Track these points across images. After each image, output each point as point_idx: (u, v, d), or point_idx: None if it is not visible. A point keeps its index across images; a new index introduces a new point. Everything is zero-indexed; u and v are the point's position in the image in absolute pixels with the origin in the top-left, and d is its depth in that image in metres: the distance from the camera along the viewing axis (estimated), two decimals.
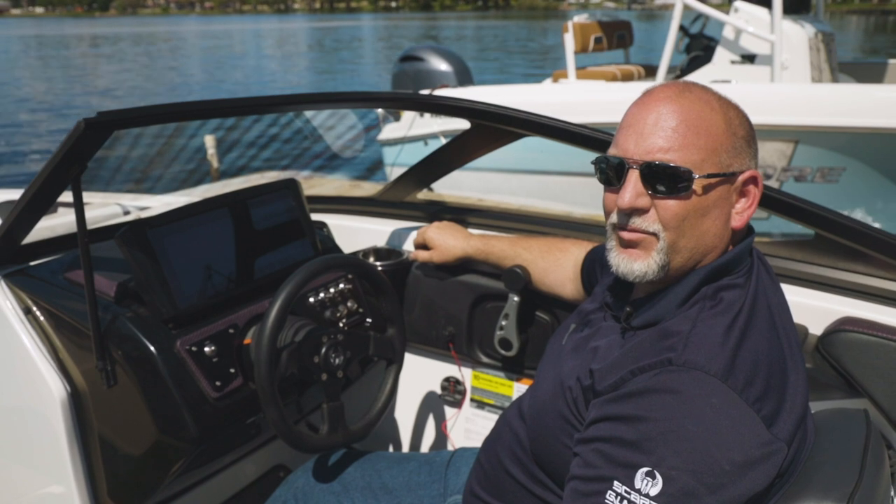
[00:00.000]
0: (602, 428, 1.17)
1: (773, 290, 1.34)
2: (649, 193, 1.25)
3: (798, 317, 1.84)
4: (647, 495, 1.06)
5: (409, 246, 2.54)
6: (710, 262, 1.29)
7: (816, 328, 1.79)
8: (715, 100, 1.28)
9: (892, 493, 1.46)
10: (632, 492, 1.08)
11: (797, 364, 1.26)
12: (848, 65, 9.81)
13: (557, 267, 2.00)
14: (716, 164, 1.25)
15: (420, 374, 2.51)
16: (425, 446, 2.59)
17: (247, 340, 1.87)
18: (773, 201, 1.80)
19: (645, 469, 1.08)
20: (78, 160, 1.64)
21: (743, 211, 1.29)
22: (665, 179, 1.23)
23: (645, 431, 1.10)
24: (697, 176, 1.23)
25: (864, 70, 9.76)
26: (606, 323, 1.40)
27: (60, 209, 2.63)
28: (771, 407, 1.14)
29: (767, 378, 1.15)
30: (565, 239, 2.09)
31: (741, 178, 1.27)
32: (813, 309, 1.83)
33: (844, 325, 1.71)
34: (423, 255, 2.27)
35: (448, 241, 2.22)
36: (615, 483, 1.10)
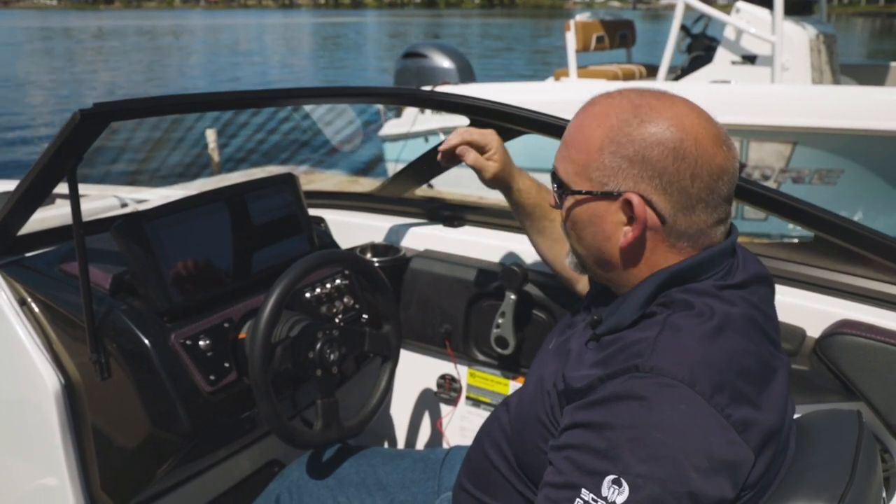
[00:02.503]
0: (572, 435, 1.16)
1: (754, 292, 1.30)
2: (554, 196, 1.34)
3: (796, 319, 1.84)
4: (613, 503, 1.05)
5: (406, 243, 2.53)
6: (662, 267, 1.26)
7: (814, 330, 1.79)
8: (614, 113, 1.24)
9: (885, 496, 1.46)
10: (598, 499, 1.07)
11: (778, 373, 1.24)
12: (850, 67, 9.80)
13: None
14: (587, 179, 1.26)
15: (416, 372, 2.51)
16: (420, 443, 2.58)
17: (242, 335, 1.86)
18: (772, 202, 1.79)
19: (611, 477, 1.07)
20: (74, 151, 1.63)
21: (628, 232, 1.24)
22: (555, 187, 1.32)
23: (612, 439, 1.09)
24: (571, 189, 1.28)
25: (867, 72, 9.75)
26: (582, 327, 1.39)
27: (57, 200, 2.62)
28: (742, 414, 1.11)
29: (739, 384, 1.13)
30: None
31: (622, 198, 1.22)
32: (811, 311, 1.82)
33: (842, 328, 1.70)
34: (472, 157, 1.80)
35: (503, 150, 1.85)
36: (583, 491, 1.09)
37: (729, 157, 1.23)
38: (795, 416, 1.36)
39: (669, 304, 1.22)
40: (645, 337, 1.17)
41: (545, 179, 1.80)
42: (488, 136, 1.82)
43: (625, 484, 1.05)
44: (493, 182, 1.83)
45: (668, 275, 1.24)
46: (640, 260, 1.27)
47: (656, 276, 1.25)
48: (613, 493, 1.06)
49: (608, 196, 1.24)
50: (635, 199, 1.20)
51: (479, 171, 1.81)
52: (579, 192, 1.27)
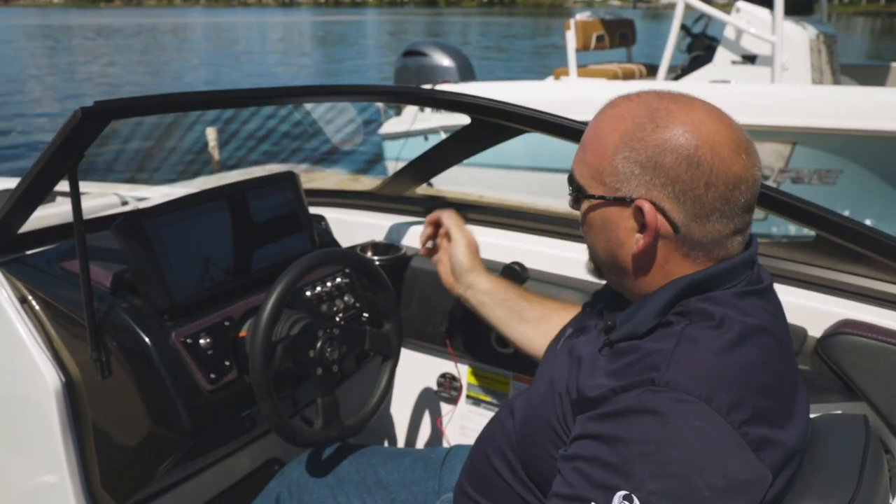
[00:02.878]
0: (583, 446, 1.14)
1: (771, 301, 1.29)
2: (571, 198, 1.33)
3: (797, 318, 1.83)
4: None
5: (407, 241, 2.53)
6: (679, 275, 1.24)
7: (815, 330, 1.79)
8: (630, 116, 1.22)
9: (891, 500, 1.45)
10: None
11: (796, 388, 1.22)
12: (850, 67, 9.79)
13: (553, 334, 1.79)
14: (601, 184, 1.24)
15: (416, 370, 2.51)
16: (420, 442, 2.58)
17: (242, 333, 1.86)
18: (774, 201, 1.79)
19: (623, 492, 1.04)
20: (75, 149, 1.63)
21: (639, 239, 1.23)
22: (571, 190, 1.30)
23: (624, 454, 1.07)
24: (587, 193, 1.26)
25: (867, 73, 9.75)
26: (595, 333, 1.37)
27: (58, 198, 2.62)
28: (759, 432, 1.09)
29: (757, 401, 1.11)
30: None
31: (635, 204, 1.21)
32: (812, 311, 1.82)
33: (844, 328, 1.70)
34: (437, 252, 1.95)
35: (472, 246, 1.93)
36: None
37: (748, 165, 1.19)
38: None
39: (687, 314, 1.19)
40: (661, 348, 1.15)
41: (547, 178, 1.81)
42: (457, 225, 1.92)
43: (636, 500, 1.03)
44: (466, 259, 1.89)
45: (687, 284, 1.22)
46: (654, 268, 1.24)
47: (674, 284, 1.23)
48: None
49: (621, 202, 1.22)
50: (647, 207, 1.18)
51: (456, 245, 1.89)
52: (593, 197, 1.25)
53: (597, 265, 1.36)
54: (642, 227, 1.21)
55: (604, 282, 1.44)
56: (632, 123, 1.21)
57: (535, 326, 1.82)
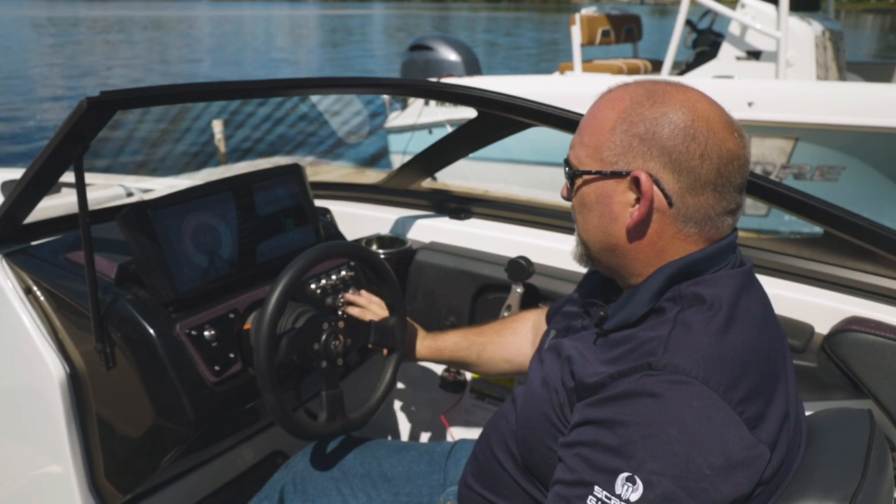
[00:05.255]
0: (584, 432, 1.15)
1: (755, 286, 1.31)
2: (567, 184, 1.34)
3: (805, 315, 1.83)
4: (627, 500, 1.05)
5: (412, 235, 2.53)
6: (670, 259, 1.25)
7: (823, 327, 1.78)
8: (628, 96, 1.25)
9: None
10: (612, 497, 1.06)
11: (784, 364, 1.24)
12: (857, 64, 9.76)
13: (515, 337, 1.92)
14: (598, 160, 1.26)
15: (420, 364, 2.50)
16: (424, 436, 2.58)
17: (247, 326, 1.86)
18: (782, 197, 1.78)
19: (625, 474, 1.06)
20: (80, 140, 1.63)
21: (634, 212, 1.24)
22: (567, 171, 1.32)
23: (625, 436, 1.08)
24: (581, 171, 1.28)
25: (874, 70, 9.71)
26: (586, 328, 1.38)
27: (63, 189, 2.62)
28: (755, 409, 1.11)
29: (751, 379, 1.13)
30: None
31: (632, 175, 1.22)
32: (820, 307, 1.81)
33: (851, 325, 1.69)
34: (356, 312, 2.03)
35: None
36: (596, 488, 1.08)
37: (740, 144, 1.22)
38: (805, 413, 1.35)
39: (678, 300, 1.21)
40: (657, 335, 1.16)
41: (552, 173, 1.80)
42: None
43: (639, 481, 1.05)
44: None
45: (677, 269, 1.23)
46: (647, 243, 1.25)
47: (664, 270, 1.24)
48: (627, 490, 1.05)
49: (617, 175, 1.24)
50: (643, 177, 1.20)
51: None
52: (589, 173, 1.27)
53: (586, 249, 1.36)
54: (637, 199, 1.23)
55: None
56: (630, 102, 1.24)
57: (488, 342, 1.93)
